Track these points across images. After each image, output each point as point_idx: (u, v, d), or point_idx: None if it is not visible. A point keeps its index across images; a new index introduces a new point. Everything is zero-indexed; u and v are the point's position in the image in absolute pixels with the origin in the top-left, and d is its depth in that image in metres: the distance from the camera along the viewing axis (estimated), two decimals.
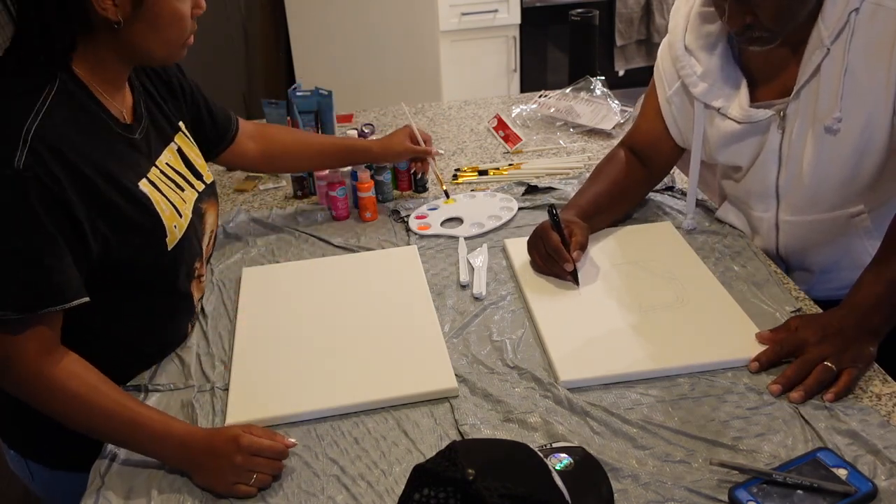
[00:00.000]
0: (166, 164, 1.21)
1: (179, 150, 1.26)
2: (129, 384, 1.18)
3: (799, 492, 0.92)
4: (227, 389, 1.16)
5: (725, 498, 0.94)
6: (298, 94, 1.85)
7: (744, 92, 1.32)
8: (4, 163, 0.93)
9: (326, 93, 1.85)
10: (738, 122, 1.33)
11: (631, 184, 1.51)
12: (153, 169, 1.16)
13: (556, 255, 1.33)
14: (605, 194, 1.48)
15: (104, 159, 1.05)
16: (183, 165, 1.25)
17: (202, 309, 1.35)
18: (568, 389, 1.12)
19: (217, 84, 3.68)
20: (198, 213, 1.25)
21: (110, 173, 1.05)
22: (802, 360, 1.11)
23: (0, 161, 0.93)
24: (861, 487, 0.92)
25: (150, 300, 1.17)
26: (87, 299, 1.03)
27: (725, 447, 1.01)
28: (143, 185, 1.12)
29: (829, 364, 1.09)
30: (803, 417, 1.05)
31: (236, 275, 1.45)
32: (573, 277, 1.34)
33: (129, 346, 1.18)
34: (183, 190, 1.22)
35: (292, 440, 1.04)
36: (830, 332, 1.13)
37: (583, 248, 1.36)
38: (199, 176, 1.29)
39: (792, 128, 1.28)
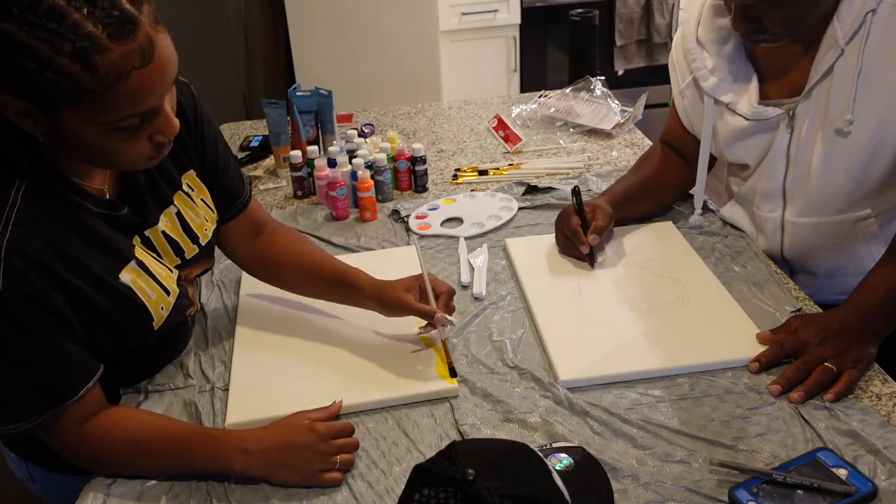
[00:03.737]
0: (163, 231, 1.12)
1: (178, 213, 1.15)
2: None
3: (799, 492, 0.92)
4: (227, 389, 1.16)
5: (725, 498, 0.94)
6: (298, 94, 1.85)
7: (753, 88, 1.32)
8: None
9: (326, 93, 1.85)
10: (747, 119, 1.32)
11: (666, 177, 1.53)
12: (139, 243, 1.08)
13: (573, 237, 1.37)
14: (639, 185, 1.51)
15: (83, 255, 0.98)
16: (180, 229, 1.15)
17: (202, 309, 1.35)
18: (568, 389, 1.12)
19: (217, 84, 3.69)
20: (184, 280, 1.17)
21: (91, 271, 0.99)
22: (803, 360, 1.11)
23: None
24: (861, 487, 0.92)
25: (145, 353, 1.16)
26: (101, 371, 1.03)
27: (725, 447, 1.01)
28: (127, 273, 1.04)
29: (830, 365, 1.09)
30: (803, 417, 1.05)
31: (236, 275, 1.45)
32: (589, 259, 1.38)
33: (131, 376, 1.19)
34: (162, 259, 1.13)
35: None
36: (831, 333, 1.13)
37: (600, 232, 1.39)
38: (195, 238, 1.17)
39: (801, 128, 1.27)
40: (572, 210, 1.41)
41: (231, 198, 1.26)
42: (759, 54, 1.33)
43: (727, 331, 1.21)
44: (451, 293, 1.21)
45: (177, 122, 0.96)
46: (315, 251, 1.32)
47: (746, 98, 1.32)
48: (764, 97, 1.31)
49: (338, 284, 1.26)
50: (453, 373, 1.15)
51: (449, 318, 1.17)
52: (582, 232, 1.37)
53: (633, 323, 1.25)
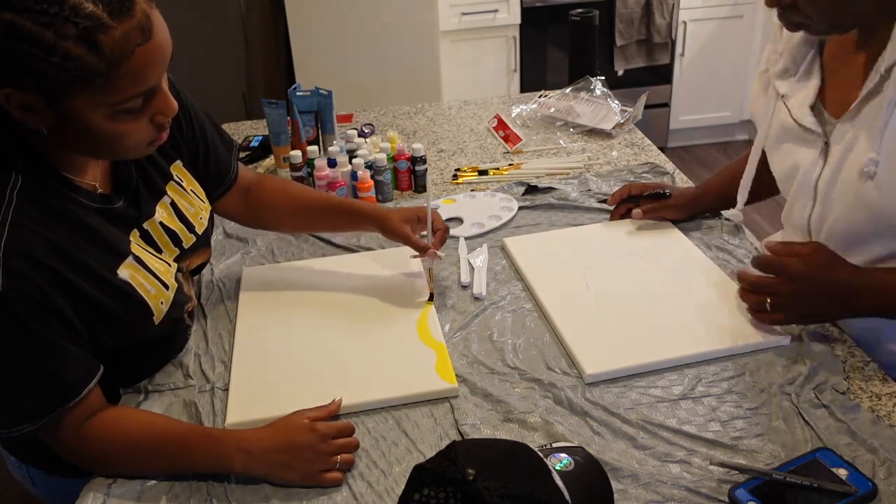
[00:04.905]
0: (160, 223, 1.13)
1: (172, 203, 1.17)
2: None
3: (799, 492, 0.92)
4: (227, 389, 1.16)
5: (725, 498, 0.94)
6: (298, 94, 1.85)
7: (812, 87, 1.18)
8: None
9: (326, 93, 1.85)
10: (791, 118, 1.21)
11: (761, 175, 1.38)
12: (137, 238, 1.09)
13: (618, 192, 1.53)
14: (730, 180, 1.45)
15: (82, 253, 0.98)
16: (176, 219, 1.17)
17: (202, 309, 1.35)
18: (589, 385, 1.13)
19: (217, 84, 3.69)
20: (181, 273, 1.19)
21: (90, 269, 0.99)
22: (770, 283, 1.11)
23: None
24: (861, 487, 0.92)
25: (145, 351, 1.16)
26: (100, 373, 1.03)
27: (725, 447, 1.01)
28: (125, 269, 1.05)
29: (771, 302, 1.11)
30: (803, 417, 1.05)
31: (236, 275, 1.45)
32: (612, 213, 1.56)
33: (131, 376, 1.19)
34: (161, 252, 1.14)
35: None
36: (814, 287, 1.08)
37: (645, 212, 1.50)
38: (191, 227, 1.19)
39: (832, 161, 1.14)
40: (653, 185, 1.51)
41: (220, 178, 1.31)
42: (828, 52, 1.19)
43: (738, 318, 1.21)
44: (447, 230, 1.37)
45: (175, 101, 0.98)
46: (306, 188, 1.42)
47: (802, 95, 1.19)
48: (821, 102, 1.18)
49: (337, 212, 1.38)
50: (431, 297, 1.32)
51: (438, 253, 1.32)
52: (622, 194, 1.51)
53: (647, 314, 1.25)
